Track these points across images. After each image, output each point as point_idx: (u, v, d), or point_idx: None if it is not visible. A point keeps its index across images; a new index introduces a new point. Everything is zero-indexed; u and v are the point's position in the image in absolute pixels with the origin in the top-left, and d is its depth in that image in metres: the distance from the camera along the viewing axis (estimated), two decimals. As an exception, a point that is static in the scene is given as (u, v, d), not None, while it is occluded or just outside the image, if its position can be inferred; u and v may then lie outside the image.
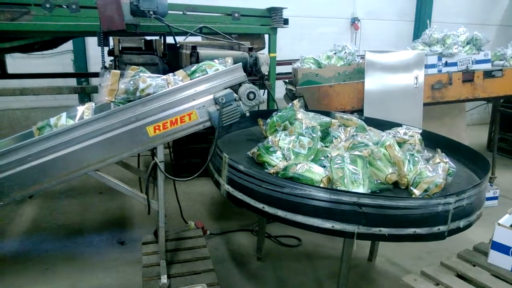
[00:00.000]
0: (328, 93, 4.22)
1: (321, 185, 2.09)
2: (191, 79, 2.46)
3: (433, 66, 4.51)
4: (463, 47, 4.67)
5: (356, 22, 7.85)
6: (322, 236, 2.00)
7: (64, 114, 2.46)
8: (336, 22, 7.84)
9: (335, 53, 4.55)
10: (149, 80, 2.37)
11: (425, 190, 2.11)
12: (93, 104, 2.54)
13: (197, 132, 2.49)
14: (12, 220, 3.98)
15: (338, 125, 2.77)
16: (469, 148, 2.74)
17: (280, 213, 2.08)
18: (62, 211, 4.21)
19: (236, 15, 4.01)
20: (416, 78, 4.34)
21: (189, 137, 2.55)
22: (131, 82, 2.37)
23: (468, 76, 4.60)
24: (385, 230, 1.95)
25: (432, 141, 2.84)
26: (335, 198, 1.96)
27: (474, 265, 2.43)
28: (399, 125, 2.85)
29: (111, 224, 3.97)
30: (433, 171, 2.17)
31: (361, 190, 2.07)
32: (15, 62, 4.84)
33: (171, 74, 2.54)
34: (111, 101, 2.38)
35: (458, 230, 2.07)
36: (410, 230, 1.96)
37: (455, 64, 4.56)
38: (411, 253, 3.47)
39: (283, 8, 4.11)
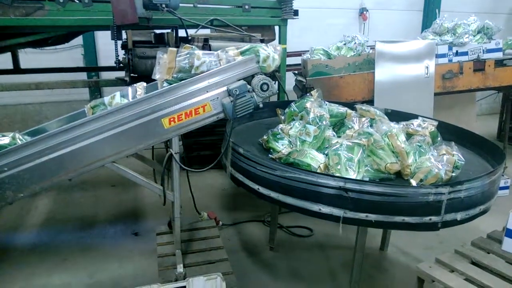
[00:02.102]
0: (338, 84, 4.22)
1: (318, 171, 2.15)
2: (242, 57, 2.49)
3: (443, 55, 4.49)
4: (474, 36, 4.63)
5: (365, 12, 7.78)
6: (334, 226, 2.04)
7: (118, 93, 2.57)
8: (345, 12, 7.78)
9: (344, 44, 4.55)
10: (203, 57, 2.42)
11: (421, 180, 2.13)
12: (145, 84, 2.65)
13: (206, 125, 2.52)
14: (28, 212, 4.06)
15: (354, 116, 2.79)
16: (487, 141, 2.71)
17: (273, 194, 2.21)
18: (76, 204, 4.28)
19: (247, 7, 4.01)
20: (427, 68, 4.32)
21: (199, 130, 2.58)
22: (186, 60, 2.41)
23: (479, 65, 4.57)
24: (372, 217, 1.99)
25: (449, 132, 2.84)
26: (323, 182, 2.03)
27: (489, 253, 2.45)
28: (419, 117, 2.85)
29: (124, 216, 4.03)
30: (436, 162, 2.17)
31: (354, 177, 2.11)
32: (27, 57, 4.89)
33: (221, 50, 2.54)
34: (166, 80, 2.45)
35: (455, 222, 2.05)
36: (399, 218, 1.98)
37: (466, 53, 4.53)
38: (423, 243, 3.48)
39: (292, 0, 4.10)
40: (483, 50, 4.59)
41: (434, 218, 1.98)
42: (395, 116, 3.04)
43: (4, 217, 3.88)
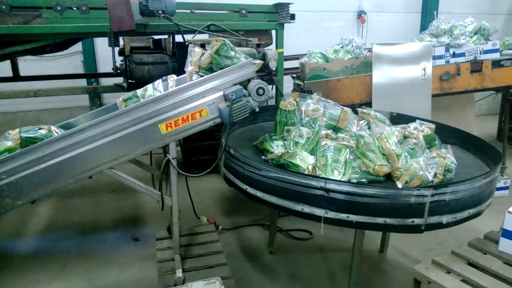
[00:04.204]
0: (336, 87, 4.23)
1: (306, 172, 2.19)
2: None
3: (440, 57, 4.49)
4: (471, 37, 4.63)
5: (363, 15, 7.81)
6: (334, 229, 2.07)
7: (150, 86, 2.66)
8: (343, 15, 7.82)
9: (342, 47, 4.56)
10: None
11: (406, 182, 2.13)
12: (175, 77, 2.74)
13: (205, 130, 2.54)
14: (29, 218, 4.08)
15: (353, 118, 2.79)
16: (484, 142, 2.70)
17: (259, 194, 2.27)
18: (76, 210, 4.30)
19: (243, 11, 4.05)
20: (424, 69, 4.33)
21: (197, 135, 2.61)
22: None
23: (476, 67, 4.58)
24: (353, 217, 2.00)
25: (447, 134, 2.85)
26: (305, 183, 2.06)
27: (485, 253, 2.45)
28: (423, 120, 2.86)
29: (124, 222, 4.04)
30: (426, 165, 2.17)
31: (339, 178, 2.14)
32: (27, 65, 4.93)
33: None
34: (197, 72, 2.56)
35: (440, 225, 2.02)
36: (380, 220, 1.98)
37: (463, 54, 4.53)
38: (422, 245, 3.49)
39: (289, 4, 4.13)
40: (480, 51, 4.59)
41: (417, 221, 1.97)
42: (399, 119, 3.06)
43: (5, 223, 3.90)
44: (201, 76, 2.51)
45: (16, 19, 3.33)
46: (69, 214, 4.20)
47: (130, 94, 2.72)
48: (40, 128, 2.47)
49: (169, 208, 2.69)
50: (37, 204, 4.32)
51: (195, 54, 2.63)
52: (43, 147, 2.29)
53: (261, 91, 2.48)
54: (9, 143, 2.39)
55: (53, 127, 2.53)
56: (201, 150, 5.08)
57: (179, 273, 2.63)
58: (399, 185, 2.15)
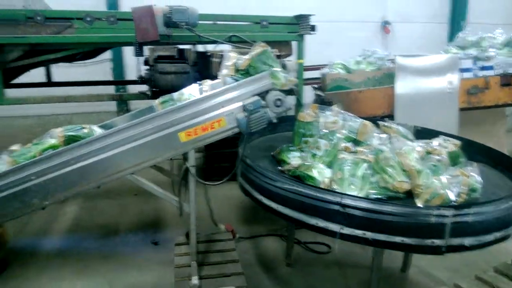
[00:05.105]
0: (358, 98, 4.20)
1: (322, 186, 2.17)
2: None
3: (468, 70, 4.39)
4: (500, 49, 4.50)
5: (387, 25, 7.72)
6: (353, 244, 2.03)
7: (186, 90, 2.78)
8: (366, 26, 7.75)
9: (364, 58, 4.53)
10: None
11: (427, 201, 2.05)
12: (210, 82, 2.84)
13: (227, 137, 2.58)
14: (56, 218, 4.25)
15: (375, 132, 2.75)
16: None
17: (274, 205, 2.25)
18: (100, 212, 4.44)
19: (264, 23, 4.08)
20: (450, 82, 4.24)
21: (220, 142, 2.65)
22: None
23: (506, 80, 4.44)
24: (369, 235, 1.94)
25: (474, 151, 2.73)
26: (320, 196, 2.03)
27: None
28: (447, 135, 2.78)
29: (145, 225, 4.13)
30: (448, 183, 2.09)
31: (357, 193, 2.10)
32: (59, 71, 5.16)
33: None
34: (232, 76, 2.62)
35: (463, 248, 1.92)
36: (398, 239, 1.91)
37: (491, 67, 4.41)
38: (448, 265, 3.30)
39: (310, 15, 4.14)
40: (510, 64, 4.45)
41: (437, 242, 1.89)
42: (424, 134, 2.97)
43: (33, 222, 4.06)
44: (236, 80, 2.56)
45: (50, 29, 3.51)
46: (93, 216, 4.34)
47: (166, 97, 2.82)
48: (82, 128, 2.61)
49: (188, 214, 2.73)
50: (63, 204, 4.49)
51: (230, 59, 2.69)
52: (70, 151, 2.40)
53: (278, 103, 2.50)
54: (53, 141, 2.53)
55: (93, 127, 2.67)
56: (222, 157, 5.12)
57: (195, 280, 2.66)
58: (419, 204, 2.07)
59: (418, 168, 2.20)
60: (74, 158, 2.39)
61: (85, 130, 2.59)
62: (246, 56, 2.60)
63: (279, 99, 2.50)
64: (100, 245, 3.73)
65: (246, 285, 2.66)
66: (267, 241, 3.83)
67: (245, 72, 2.59)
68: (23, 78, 4.46)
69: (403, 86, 4.20)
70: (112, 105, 6.88)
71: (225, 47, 4.30)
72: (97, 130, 2.66)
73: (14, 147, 2.59)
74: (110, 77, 6.74)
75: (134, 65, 4.70)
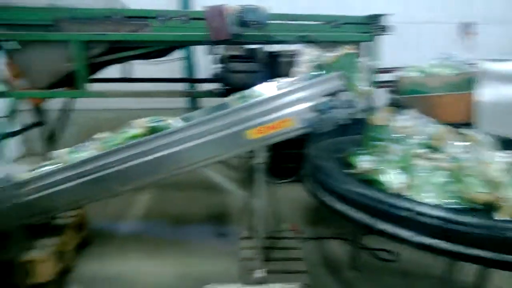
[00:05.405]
0: (435, 103, 3.96)
1: (393, 191, 2.09)
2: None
3: None
4: None
5: (470, 27, 7.20)
6: (421, 253, 1.95)
7: (256, 88, 2.90)
8: (446, 27, 7.30)
9: (441, 62, 4.28)
10: None
11: (510, 214, 1.89)
12: (283, 79, 2.91)
13: (295, 138, 2.58)
14: (131, 204, 4.59)
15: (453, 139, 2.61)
16: None
17: (342, 208, 2.21)
18: (170, 202, 4.69)
19: (336, 23, 4.01)
20: (544, 90, 3.85)
21: (287, 142, 2.65)
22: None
23: None
24: (441, 245, 1.86)
25: None
26: (390, 202, 1.98)
27: None
28: None
29: (212, 217, 4.29)
30: None
31: (431, 201, 2.00)
32: (132, 69, 5.53)
33: None
34: (306, 73, 2.68)
35: None
36: (474, 251, 1.80)
37: None
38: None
39: (383, 15, 3.99)
40: None
41: None
42: (510, 144, 2.75)
43: (111, 207, 4.39)
44: (310, 78, 2.57)
45: (128, 27, 3.76)
46: (164, 205, 4.60)
47: (241, 93, 2.91)
48: (162, 120, 2.82)
49: (254, 210, 2.80)
50: (139, 192, 4.82)
51: (305, 55, 2.70)
52: (145, 143, 2.57)
53: (348, 104, 2.46)
54: (136, 130, 2.76)
55: (172, 119, 2.86)
56: (289, 157, 5.12)
57: (259, 273, 2.71)
58: (500, 217, 1.94)
59: (501, 179, 2.05)
60: (152, 149, 2.55)
61: (166, 122, 2.77)
62: (332, 54, 2.59)
63: (349, 101, 2.46)
64: (171, 232, 3.96)
65: (309, 283, 2.66)
66: (331, 243, 3.76)
67: (324, 70, 2.58)
68: (101, 75, 4.79)
69: (486, 92, 3.89)
70: (182, 103, 7.21)
71: (294, 47, 4.33)
72: (174, 123, 2.82)
73: (102, 135, 2.86)
74: (180, 76, 7.07)
75: (203, 64, 4.89)
